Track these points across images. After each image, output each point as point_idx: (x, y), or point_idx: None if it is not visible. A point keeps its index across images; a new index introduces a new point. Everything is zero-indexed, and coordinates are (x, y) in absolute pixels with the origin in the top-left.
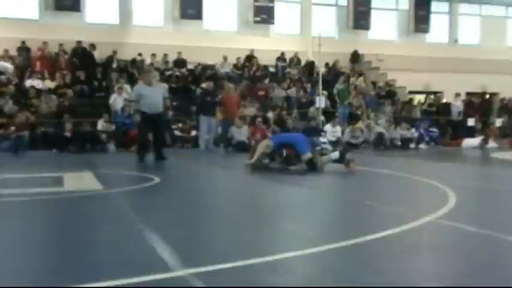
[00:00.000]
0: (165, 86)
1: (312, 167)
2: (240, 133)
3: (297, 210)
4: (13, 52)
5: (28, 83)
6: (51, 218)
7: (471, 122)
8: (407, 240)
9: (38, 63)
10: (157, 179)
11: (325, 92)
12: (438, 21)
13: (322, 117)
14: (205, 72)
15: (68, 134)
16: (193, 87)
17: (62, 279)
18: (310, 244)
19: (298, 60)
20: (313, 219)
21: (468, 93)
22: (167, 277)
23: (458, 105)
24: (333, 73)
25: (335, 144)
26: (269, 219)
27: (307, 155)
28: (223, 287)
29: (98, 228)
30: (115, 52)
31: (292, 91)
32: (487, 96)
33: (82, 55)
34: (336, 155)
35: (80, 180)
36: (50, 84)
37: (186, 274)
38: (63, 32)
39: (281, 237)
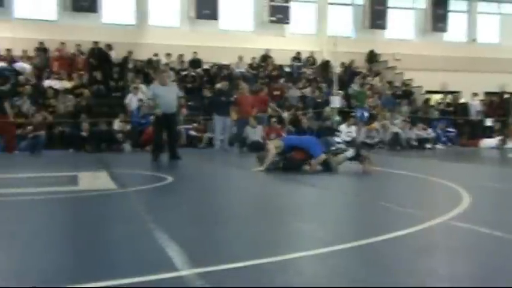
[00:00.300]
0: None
1: (327, 167)
2: (255, 133)
3: (309, 210)
4: (31, 53)
5: (46, 83)
6: (64, 216)
7: (489, 122)
8: (418, 241)
9: (55, 64)
10: (170, 179)
11: (341, 92)
12: (457, 20)
13: (338, 117)
14: (221, 72)
15: (84, 133)
16: (204, 88)
17: (69, 278)
18: (321, 244)
19: (314, 60)
20: (325, 219)
21: (487, 93)
22: (171, 276)
23: (475, 105)
24: (349, 73)
25: (349, 144)
26: (281, 219)
27: (322, 157)
28: (226, 286)
29: (109, 227)
30: (130, 52)
31: (308, 91)
32: (506, 96)
33: (98, 55)
34: (350, 153)
35: (94, 180)
36: (67, 84)
37: (191, 274)
38: (80, 33)
39: (292, 237)
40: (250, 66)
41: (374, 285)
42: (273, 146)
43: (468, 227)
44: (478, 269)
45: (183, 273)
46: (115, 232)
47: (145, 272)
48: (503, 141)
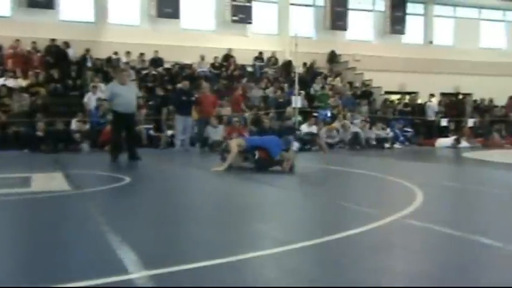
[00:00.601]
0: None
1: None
2: (216, 133)
3: (267, 210)
4: None
5: (0, 81)
6: (13, 219)
7: (444, 122)
8: (373, 239)
9: (10, 61)
10: (128, 179)
11: (302, 92)
12: (414, 23)
13: (299, 117)
14: (182, 71)
15: (40, 133)
16: (162, 87)
17: (16, 280)
18: (276, 244)
19: (276, 60)
20: (282, 219)
21: (442, 94)
22: (121, 280)
23: (432, 106)
24: (310, 73)
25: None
26: (238, 220)
27: (286, 155)
28: (174, 287)
29: (60, 229)
30: (88, 50)
31: (270, 91)
32: (460, 96)
33: (55, 53)
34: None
35: (48, 181)
36: (22, 82)
37: (141, 276)
38: (36, 30)
39: (247, 238)
40: (212, 65)
41: (331, 284)
42: (235, 145)
43: (420, 225)
44: (430, 265)
45: (134, 275)
46: (65, 235)
47: (94, 276)
48: (458, 141)
